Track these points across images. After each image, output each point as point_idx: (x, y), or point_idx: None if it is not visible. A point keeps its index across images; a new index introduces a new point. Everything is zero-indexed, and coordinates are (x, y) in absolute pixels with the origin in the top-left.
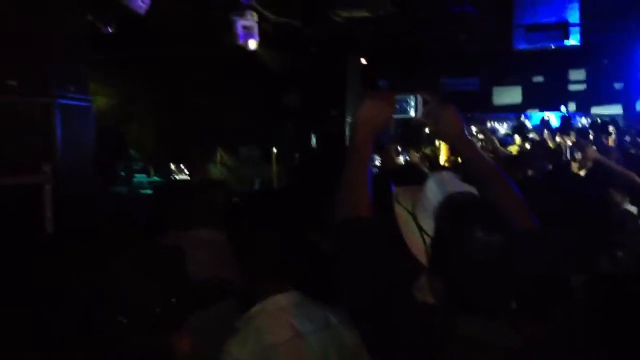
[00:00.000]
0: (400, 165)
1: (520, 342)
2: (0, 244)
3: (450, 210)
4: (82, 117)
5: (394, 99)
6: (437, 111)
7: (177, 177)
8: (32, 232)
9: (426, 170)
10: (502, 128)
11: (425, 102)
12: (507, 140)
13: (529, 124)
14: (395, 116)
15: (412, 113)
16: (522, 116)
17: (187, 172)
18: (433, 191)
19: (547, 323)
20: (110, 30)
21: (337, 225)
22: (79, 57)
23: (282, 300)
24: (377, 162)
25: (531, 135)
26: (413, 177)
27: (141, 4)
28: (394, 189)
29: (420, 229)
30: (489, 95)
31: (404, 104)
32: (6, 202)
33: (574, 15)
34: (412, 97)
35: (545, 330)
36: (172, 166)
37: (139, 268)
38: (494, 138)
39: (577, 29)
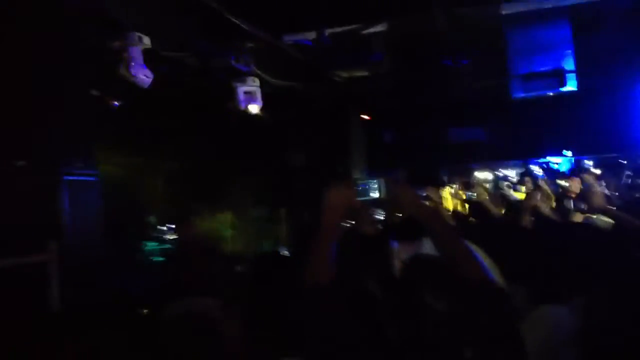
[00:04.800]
0: (401, 221)
1: None
2: (4, 323)
3: (409, 271)
4: (89, 192)
5: (355, 186)
6: (394, 190)
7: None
8: (38, 310)
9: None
10: (512, 174)
11: (386, 184)
12: (514, 187)
13: (536, 170)
14: (361, 199)
15: (376, 194)
16: (527, 163)
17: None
18: (430, 247)
19: None
20: (117, 104)
21: (303, 291)
22: (86, 133)
23: None
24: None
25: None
26: (414, 232)
27: (145, 78)
28: (396, 245)
29: None
30: (493, 144)
31: (367, 187)
32: (12, 281)
33: (569, 62)
34: (374, 181)
35: None
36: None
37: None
38: (502, 185)
39: (573, 75)
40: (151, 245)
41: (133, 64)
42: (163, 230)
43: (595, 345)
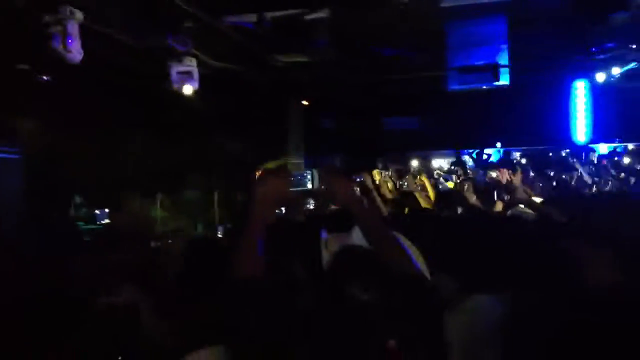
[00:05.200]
0: (332, 211)
1: None
2: None
3: (337, 263)
4: (9, 170)
5: (289, 175)
6: (327, 180)
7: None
8: None
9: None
10: (446, 164)
11: (319, 174)
12: (447, 177)
13: (468, 160)
14: (293, 189)
15: (309, 185)
16: (459, 153)
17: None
18: (359, 238)
19: None
20: (45, 78)
21: (231, 283)
22: (10, 109)
23: (202, 357)
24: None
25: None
26: (343, 223)
27: (77, 54)
28: (325, 236)
29: None
30: (428, 134)
31: (301, 178)
32: None
33: (503, 57)
34: (308, 172)
35: None
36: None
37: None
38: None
39: (507, 70)
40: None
41: (68, 38)
42: (92, 211)
43: (520, 335)
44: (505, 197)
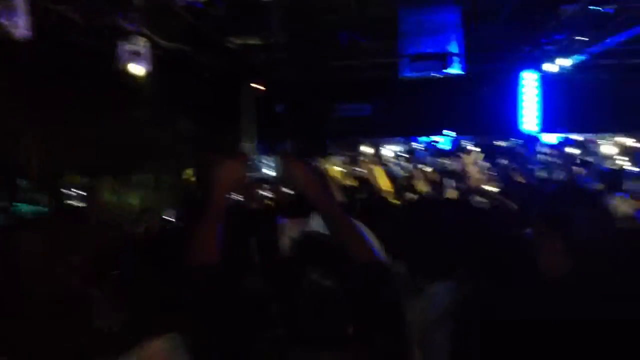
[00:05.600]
0: (291, 198)
1: None
2: None
3: (296, 249)
4: None
5: (247, 160)
6: (286, 165)
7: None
8: None
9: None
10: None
11: (278, 159)
12: (398, 164)
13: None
14: (253, 175)
15: (272, 172)
16: (410, 140)
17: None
18: (317, 224)
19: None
20: None
21: (188, 270)
22: None
23: (157, 345)
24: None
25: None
26: (302, 209)
27: (25, 30)
28: (283, 221)
29: None
30: (380, 121)
31: (261, 164)
32: None
33: (455, 46)
34: (266, 157)
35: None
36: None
37: None
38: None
39: (458, 59)
40: (22, 206)
41: (15, 13)
42: (38, 193)
43: (469, 322)
44: (462, 185)
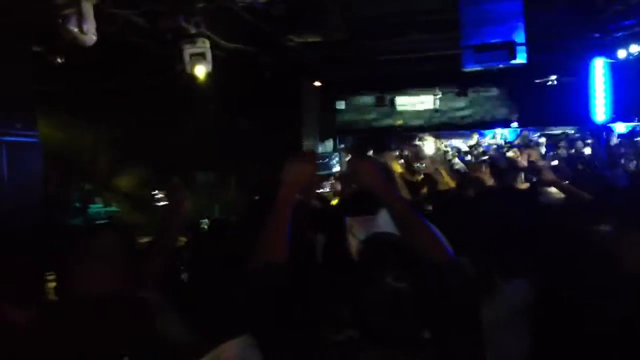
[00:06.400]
0: (354, 195)
1: None
2: None
3: (368, 251)
4: (29, 153)
5: (316, 159)
6: (356, 164)
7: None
8: None
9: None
10: (464, 145)
11: (347, 158)
12: (462, 158)
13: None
14: (320, 173)
15: (336, 168)
16: (476, 133)
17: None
18: (385, 222)
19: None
20: (59, 61)
21: (257, 267)
22: (26, 92)
23: (232, 348)
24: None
25: (510, 153)
26: (365, 207)
27: (92, 36)
28: (348, 220)
29: None
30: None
31: (327, 162)
32: None
33: (519, 36)
34: (334, 154)
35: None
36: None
37: None
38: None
39: (524, 48)
40: (95, 207)
41: (83, 20)
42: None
43: (547, 318)
44: (533, 179)
